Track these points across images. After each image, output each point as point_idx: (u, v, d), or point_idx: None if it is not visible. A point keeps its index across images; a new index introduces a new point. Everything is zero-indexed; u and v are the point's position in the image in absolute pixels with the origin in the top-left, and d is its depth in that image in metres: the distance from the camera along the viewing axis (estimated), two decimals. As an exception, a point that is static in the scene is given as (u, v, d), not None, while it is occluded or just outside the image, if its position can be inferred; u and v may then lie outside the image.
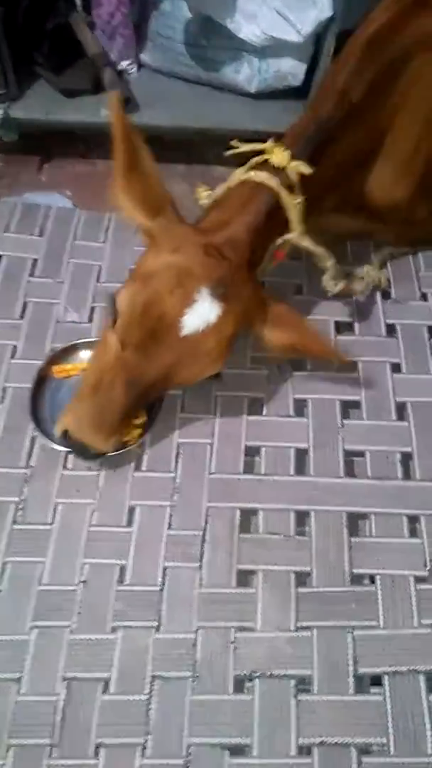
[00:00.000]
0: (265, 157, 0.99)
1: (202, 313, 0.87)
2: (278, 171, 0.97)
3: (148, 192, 0.92)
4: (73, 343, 1.21)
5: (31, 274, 1.34)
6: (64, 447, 1.03)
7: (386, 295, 1.37)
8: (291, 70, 2.08)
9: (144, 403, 1.00)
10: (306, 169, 0.96)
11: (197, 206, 1.07)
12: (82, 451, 0.98)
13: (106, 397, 0.91)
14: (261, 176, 0.96)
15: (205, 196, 1.08)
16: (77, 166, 2.30)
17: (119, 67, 2.20)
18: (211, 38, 2.05)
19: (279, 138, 1.03)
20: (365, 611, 1.04)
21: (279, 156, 0.97)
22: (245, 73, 2.12)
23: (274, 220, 0.98)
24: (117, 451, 1.04)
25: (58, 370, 1.17)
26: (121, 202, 0.93)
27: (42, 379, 1.16)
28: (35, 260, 1.36)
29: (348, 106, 1.01)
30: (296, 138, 1.01)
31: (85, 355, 1.18)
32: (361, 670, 0.99)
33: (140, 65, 2.26)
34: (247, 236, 0.94)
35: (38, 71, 2.02)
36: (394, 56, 1.04)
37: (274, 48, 2.03)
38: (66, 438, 0.97)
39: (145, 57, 2.21)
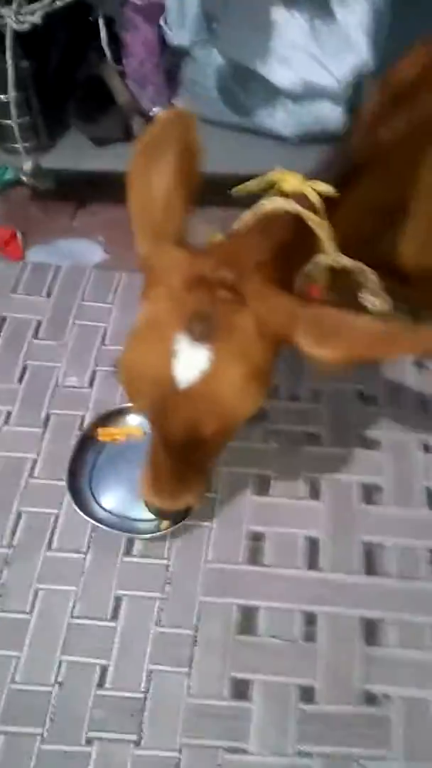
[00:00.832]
0: (278, 186, 0.87)
1: (188, 362, 0.73)
2: (295, 197, 0.85)
3: (156, 218, 0.78)
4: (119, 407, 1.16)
5: (35, 336, 1.28)
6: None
7: (420, 364, 1.25)
8: (329, 115, 1.99)
9: (200, 460, 0.86)
10: (326, 187, 0.84)
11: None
12: (154, 511, 0.93)
13: (155, 461, 0.83)
14: (276, 202, 0.84)
15: (216, 239, 0.98)
16: (110, 211, 2.28)
17: (151, 114, 2.17)
18: (244, 84, 1.99)
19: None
20: (377, 738, 0.90)
21: (292, 180, 0.86)
22: (280, 118, 2.04)
23: (300, 241, 0.85)
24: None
25: (103, 433, 1.11)
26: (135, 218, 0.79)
27: (83, 446, 1.12)
28: (40, 322, 1.30)
29: (375, 144, 0.91)
30: (316, 166, 0.91)
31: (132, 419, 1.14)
32: None
33: (174, 112, 2.22)
34: (264, 256, 0.80)
35: (69, 120, 2.01)
36: (424, 113, 0.94)
37: (309, 92, 1.95)
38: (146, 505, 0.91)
39: (177, 103, 2.17)
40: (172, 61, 2.16)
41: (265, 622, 0.99)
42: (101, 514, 1.06)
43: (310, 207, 0.85)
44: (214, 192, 2.47)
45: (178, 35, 1.77)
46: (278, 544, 1.05)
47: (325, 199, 0.85)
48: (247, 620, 0.99)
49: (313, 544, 1.05)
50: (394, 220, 1.04)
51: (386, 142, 0.92)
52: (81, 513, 1.04)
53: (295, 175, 0.86)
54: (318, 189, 0.84)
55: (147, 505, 0.91)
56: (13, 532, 1.06)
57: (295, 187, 0.85)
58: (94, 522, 1.04)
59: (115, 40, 1.93)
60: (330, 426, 1.18)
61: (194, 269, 0.75)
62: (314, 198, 0.84)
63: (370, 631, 0.98)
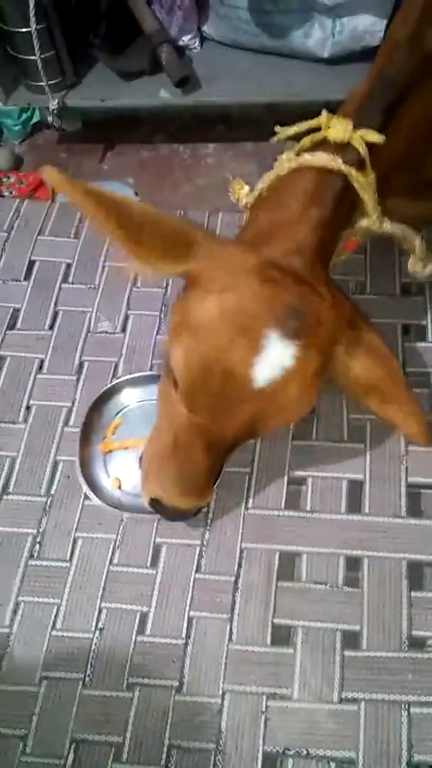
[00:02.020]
0: (322, 134, 0.78)
1: (274, 360, 0.68)
2: (340, 147, 0.77)
3: (167, 237, 0.71)
4: (109, 386, 1.11)
5: (65, 280, 1.24)
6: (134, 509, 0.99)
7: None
8: (369, 27, 1.84)
9: (231, 455, 0.83)
10: (376, 137, 0.76)
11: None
12: (171, 512, 0.85)
13: (188, 460, 0.77)
14: (320, 158, 0.76)
15: (244, 194, 0.89)
16: (140, 151, 2.20)
17: (180, 43, 2.05)
18: (277, 1, 1.85)
19: (335, 109, 0.84)
20: (425, 684, 0.87)
21: (339, 128, 0.77)
22: (316, 37, 1.90)
23: (344, 207, 0.79)
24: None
25: (103, 448, 1.06)
26: (144, 266, 0.71)
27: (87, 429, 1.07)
28: (69, 265, 1.26)
29: (420, 56, 0.80)
30: (357, 103, 0.81)
31: (129, 396, 1.11)
32: (417, 757, 0.83)
33: (203, 39, 2.10)
34: (314, 236, 0.74)
35: (95, 54, 1.91)
36: None
37: (348, 5, 1.80)
38: (156, 505, 0.84)
39: (207, 29, 2.04)
40: (200, -17, 2.03)
41: (307, 568, 0.96)
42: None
43: (358, 160, 0.77)
44: (246, 126, 2.35)
45: None
46: (320, 488, 1.02)
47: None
48: (289, 566, 0.97)
49: (355, 488, 1.01)
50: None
51: None
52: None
53: (343, 122, 0.77)
54: (367, 138, 0.76)
55: (156, 506, 0.84)
56: (51, 481, 1.04)
57: (343, 137, 0.76)
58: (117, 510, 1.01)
59: (140, -38, 1.81)
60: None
61: (263, 256, 0.70)
62: (363, 150, 0.76)
63: (415, 575, 0.95)
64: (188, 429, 0.74)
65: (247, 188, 0.87)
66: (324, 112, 0.79)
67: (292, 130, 0.83)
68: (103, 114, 2.04)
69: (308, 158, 0.76)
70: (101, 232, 0.66)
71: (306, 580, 0.95)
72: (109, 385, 1.10)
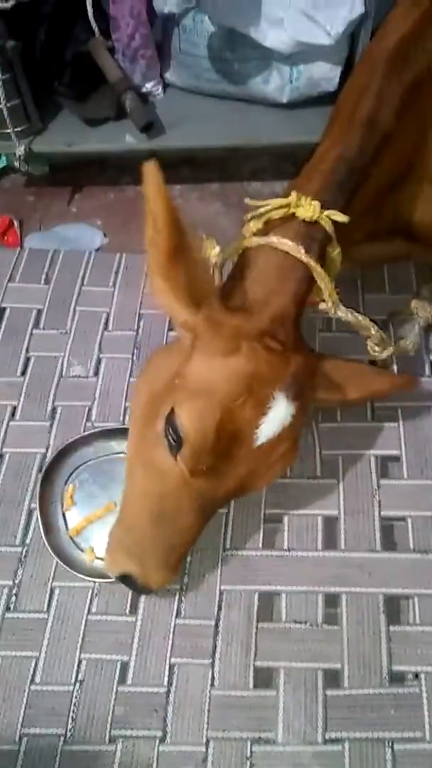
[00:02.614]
0: (291, 210, 0.83)
1: (277, 418, 0.76)
2: (308, 224, 0.82)
3: (193, 280, 0.75)
4: (66, 444, 1.09)
5: (36, 326, 1.25)
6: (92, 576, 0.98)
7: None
8: (324, 75, 1.92)
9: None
10: (342, 217, 0.82)
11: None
12: (138, 586, 0.85)
13: (175, 527, 0.78)
14: (286, 246, 0.81)
15: (214, 254, 0.92)
16: (107, 194, 2.23)
17: (144, 90, 2.11)
18: (236, 50, 1.92)
19: (296, 183, 0.88)
20: (407, 719, 0.88)
21: (308, 208, 0.82)
22: (275, 83, 1.97)
23: (307, 291, 0.85)
24: None
25: (73, 533, 1.02)
26: (160, 291, 0.76)
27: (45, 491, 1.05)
28: (40, 310, 1.27)
29: (379, 139, 0.85)
30: (325, 184, 0.85)
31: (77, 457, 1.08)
32: (404, 796, 0.83)
33: (166, 85, 2.16)
34: (293, 308, 0.81)
35: (60, 101, 1.95)
36: (420, 69, 0.88)
37: (304, 54, 1.87)
38: (126, 580, 0.84)
39: (170, 76, 2.10)
40: (162, 33, 2.10)
41: (286, 607, 0.96)
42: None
43: (323, 242, 0.83)
44: (210, 167, 2.40)
45: (168, 2, 1.70)
46: (296, 526, 1.02)
47: None
48: (269, 606, 0.97)
49: (331, 524, 1.02)
50: (397, 187, 0.99)
51: (388, 128, 0.86)
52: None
53: (312, 204, 0.82)
54: (333, 218, 0.82)
55: (126, 581, 0.83)
56: (26, 531, 1.03)
57: (311, 216, 0.81)
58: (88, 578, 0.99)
59: (102, 14, 1.86)
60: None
61: (257, 327, 0.77)
62: (330, 228, 0.82)
63: (392, 609, 0.95)
64: (180, 493, 0.76)
65: (217, 248, 0.90)
66: (293, 193, 0.83)
67: (263, 208, 0.86)
68: (71, 158, 2.07)
69: (275, 242, 0.81)
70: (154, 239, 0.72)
71: (286, 620, 0.95)
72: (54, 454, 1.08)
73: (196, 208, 2.20)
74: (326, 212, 0.81)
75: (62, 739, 0.88)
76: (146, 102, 2.14)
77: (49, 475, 1.05)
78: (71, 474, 1.06)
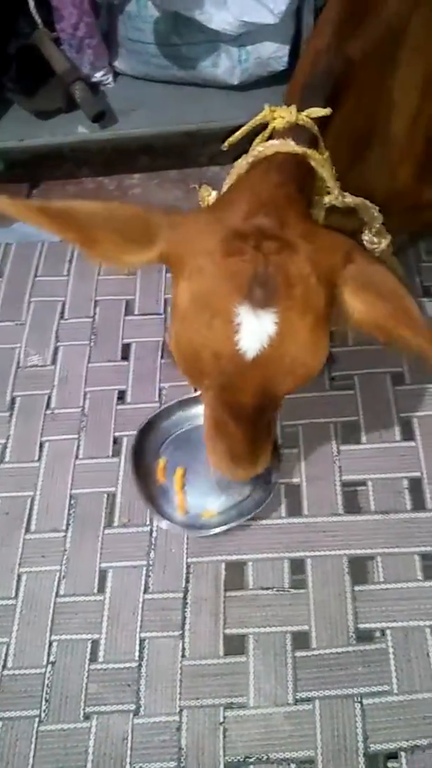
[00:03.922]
0: (270, 127, 0.79)
1: (255, 332, 0.67)
2: (290, 132, 0.77)
3: (125, 228, 0.70)
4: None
5: (-10, 319, 1.25)
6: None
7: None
8: (273, 54, 1.92)
9: (268, 420, 0.81)
10: (322, 111, 0.77)
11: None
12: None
13: (225, 434, 0.77)
14: (272, 146, 0.75)
15: (211, 199, 0.88)
16: (66, 187, 2.22)
17: (94, 79, 2.09)
18: (182, 34, 1.91)
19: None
20: (375, 675, 0.89)
21: (284, 113, 0.78)
22: (225, 66, 1.97)
23: (308, 184, 0.80)
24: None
25: (180, 510, 1.04)
26: (112, 262, 0.71)
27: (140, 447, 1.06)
28: (-6, 303, 1.27)
29: (342, 59, 0.82)
30: (297, 92, 0.82)
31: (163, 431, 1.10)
32: (374, 747, 0.85)
33: (116, 74, 2.15)
34: (278, 192, 0.73)
35: (9, 96, 1.94)
36: (389, 18, 0.87)
37: (251, 34, 1.87)
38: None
39: (119, 65, 2.09)
40: (108, 21, 2.08)
41: (253, 575, 0.97)
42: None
43: (311, 139, 0.78)
44: (168, 154, 2.39)
45: (106, -12, 1.69)
46: (259, 496, 1.03)
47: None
48: (236, 575, 0.98)
49: (293, 491, 1.03)
50: (363, 145, 0.98)
51: (357, 54, 0.83)
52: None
53: (287, 109, 0.78)
54: (314, 115, 0.77)
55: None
56: (-10, 519, 1.04)
57: (290, 121, 0.77)
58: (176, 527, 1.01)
59: (45, 5, 1.85)
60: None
61: (227, 225, 0.69)
62: (313, 128, 0.77)
63: (358, 569, 0.97)
64: (213, 405, 0.75)
65: (214, 193, 0.88)
66: (266, 106, 0.79)
67: (240, 132, 0.84)
68: (26, 153, 2.05)
69: (261, 150, 0.76)
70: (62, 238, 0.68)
71: (253, 587, 0.96)
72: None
73: (155, 196, 2.20)
74: (306, 111, 0.77)
75: (37, 720, 0.89)
76: (97, 92, 2.12)
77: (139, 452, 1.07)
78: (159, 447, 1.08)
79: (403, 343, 0.68)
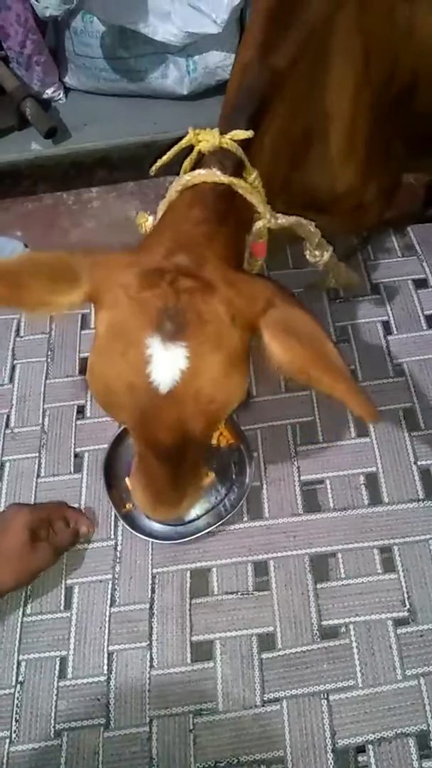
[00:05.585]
0: (195, 150, 0.80)
1: (167, 364, 0.67)
2: (217, 156, 0.78)
3: (51, 273, 0.72)
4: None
5: None
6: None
7: (334, 295, 1.23)
8: (220, 63, 1.95)
9: (192, 458, 0.79)
10: (244, 134, 0.78)
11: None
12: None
13: (147, 471, 0.77)
14: (198, 175, 0.77)
15: (149, 225, 0.88)
16: (24, 204, 2.23)
17: (45, 96, 2.11)
18: (129, 47, 1.94)
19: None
20: (340, 670, 0.90)
21: (208, 137, 0.78)
22: (173, 76, 2.00)
23: (238, 212, 0.80)
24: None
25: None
26: (41, 308, 0.72)
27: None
28: None
29: (268, 71, 0.83)
30: (223, 115, 0.84)
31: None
32: (342, 742, 0.86)
33: (67, 89, 2.16)
34: (198, 230, 0.74)
35: (-40, 118, 1.95)
36: (313, 20, 0.88)
37: (197, 44, 1.90)
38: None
39: (69, 80, 2.11)
40: (56, 38, 2.09)
41: (218, 581, 0.98)
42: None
43: (236, 164, 0.79)
44: (126, 167, 2.40)
45: (48, 5, 1.71)
46: (219, 502, 1.04)
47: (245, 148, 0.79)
48: (201, 583, 0.98)
49: (254, 494, 1.04)
50: (303, 152, 0.99)
51: (283, 63, 0.84)
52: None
53: (210, 132, 0.79)
54: (237, 138, 0.78)
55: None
56: None
57: (213, 143, 0.78)
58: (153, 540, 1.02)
59: (-11, 26, 1.86)
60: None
61: (146, 262, 0.70)
62: (238, 151, 0.78)
63: (320, 567, 0.98)
64: (137, 441, 0.75)
65: (151, 218, 0.88)
66: (190, 129, 0.80)
67: (166, 157, 0.85)
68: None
69: (188, 179, 0.77)
70: None
71: (218, 593, 0.97)
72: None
73: (114, 208, 2.21)
74: (229, 134, 0.77)
75: (7, 741, 0.89)
76: (48, 108, 2.14)
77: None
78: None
79: (324, 387, 0.68)
